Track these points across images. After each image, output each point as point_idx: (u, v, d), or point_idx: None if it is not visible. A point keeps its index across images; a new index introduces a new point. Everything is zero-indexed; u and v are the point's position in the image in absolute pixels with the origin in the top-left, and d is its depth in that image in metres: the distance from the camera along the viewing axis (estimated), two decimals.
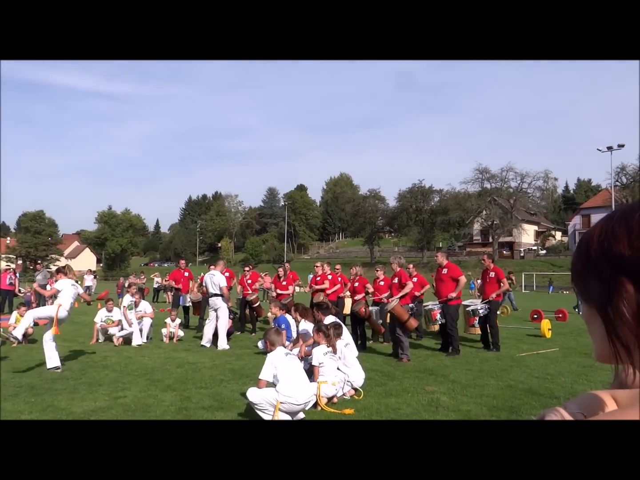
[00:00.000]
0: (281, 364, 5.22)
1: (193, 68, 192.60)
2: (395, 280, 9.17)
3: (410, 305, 9.40)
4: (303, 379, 5.36)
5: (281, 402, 4.97)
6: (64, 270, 8.18)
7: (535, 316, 14.42)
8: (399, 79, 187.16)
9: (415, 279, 10.95)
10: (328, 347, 6.28)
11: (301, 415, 5.22)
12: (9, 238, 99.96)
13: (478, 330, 10.09)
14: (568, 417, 0.86)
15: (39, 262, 54.38)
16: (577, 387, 6.51)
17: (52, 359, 7.56)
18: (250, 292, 12.36)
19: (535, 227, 69.25)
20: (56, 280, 8.24)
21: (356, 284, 10.45)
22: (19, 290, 18.81)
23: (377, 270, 10.50)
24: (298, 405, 5.08)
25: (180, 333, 11.15)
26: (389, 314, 9.18)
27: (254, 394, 5.04)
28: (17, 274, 20.04)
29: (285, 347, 5.81)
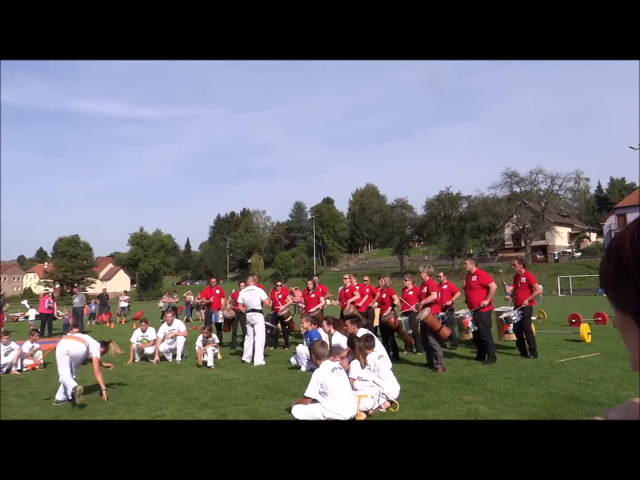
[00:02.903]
0: (327, 379, 5.18)
1: (215, 88, 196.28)
2: (425, 289, 9.07)
3: (441, 314, 9.28)
4: (349, 395, 5.32)
5: (327, 418, 4.95)
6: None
7: (574, 320, 14.01)
8: (422, 85, 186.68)
9: (445, 287, 10.81)
10: (334, 361, 5.76)
11: None
12: (46, 263, 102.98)
13: (513, 337, 9.87)
14: None
15: (76, 285, 55.76)
16: (621, 392, 6.29)
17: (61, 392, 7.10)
18: (281, 306, 12.40)
19: (569, 229, 67.62)
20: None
21: (384, 295, 10.38)
22: (58, 314, 19.31)
23: (406, 280, 10.42)
24: (344, 420, 5.06)
25: (212, 350, 11.19)
26: (420, 324, 9.07)
27: (299, 411, 5.01)
28: (55, 298, 20.59)
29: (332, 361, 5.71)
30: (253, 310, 10.15)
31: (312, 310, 11.60)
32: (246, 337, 10.47)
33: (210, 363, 9.81)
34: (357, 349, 6.31)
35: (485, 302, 8.90)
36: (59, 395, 7.12)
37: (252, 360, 9.97)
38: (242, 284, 12.26)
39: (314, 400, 5.19)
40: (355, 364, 6.12)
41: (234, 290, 14.92)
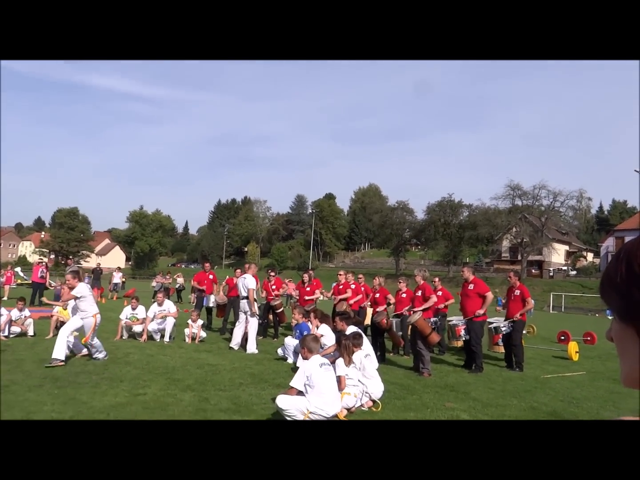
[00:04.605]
0: (314, 373, 5.17)
1: (226, 75, 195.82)
2: (419, 293, 9.07)
3: (434, 319, 9.28)
4: (335, 391, 5.32)
5: (311, 412, 4.94)
6: (79, 276, 8.21)
7: (563, 337, 14.04)
8: (429, 90, 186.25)
9: (440, 293, 10.81)
10: (323, 357, 5.86)
11: None
12: (43, 233, 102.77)
13: (502, 349, 9.89)
14: None
15: (70, 257, 55.61)
16: (603, 412, 6.31)
17: (60, 351, 7.55)
18: (274, 297, 12.40)
19: (566, 247, 67.70)
20: (71, 287, 7.99)
21: (377, 295, 10.37)
22: (49, 284, 19.29)
23: (400, 282, 10.40)
24: (327, 416, 5.05)
25: (203, 334, 11.24)
26: (410, 327, 9.08)
27: (283, 401, 5.00)
28: (49, 268, 20.56)
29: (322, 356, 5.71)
30: (246, 297, 10.15)
31: (307, 305, 11.57)
32: (237, 323, 10.47)
33: (196, 331, 10.45)
34: (343, 347, 6.30)
35: (481, 312, 8.90)
36: (61, 354, 7.54)
37: (242, 348, 9.98)
38: (238, 270, 12.24)
39: (300, 393, 5.19)
40: (340, 361, 6.11)
41: (227, 277, 14.89)
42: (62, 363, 7.54)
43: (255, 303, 10.34)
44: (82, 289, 8.02)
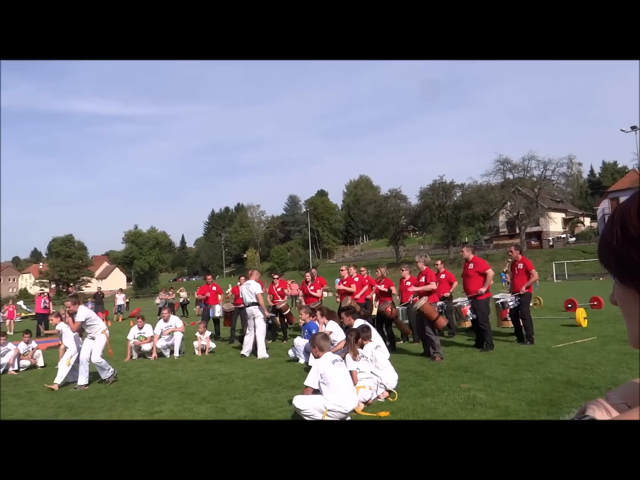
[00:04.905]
0: (328, 371, 5.17)
1: (207, 84, 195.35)
2: (422, 279, 9.07)
3: (439, 303, 9.27)
4: (350, 386, 5.32)
5: (329, 410, 4.94)
6: (79, 299, 8.49)
7: (570, 305, 14.07)
8: (411, 76, 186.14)
9: (443, 276, 10.81)
10: (334, 353, 5.90)
11: (347, 419, 5.19)
12: (41, 264, 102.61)
13: (511, 324, 9.90)
14: (610, 408, 0.81)
15: (71, 284, 55.58)
16: (618, 375, 6.32)
17: (84, 377, 7.98)
18: (280, 300, 12.41)
19: (563, 215, 67.85)
20: (72, 313, 8.11)
21: (381, 286, 10.37)
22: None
23: (403, 270, 10.38)
24: (346, 412, 5.06)
25: (212, 345, 11.23)
26: (416, 313, 9.08)
27: (300, 401, 5.00)
28: (51, 298, 20.52)
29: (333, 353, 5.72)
30: (253, 304, 10.15)
31: (313, 303, 11.57)
32: (247, 331, 10.47)
33: (205, 343, 10.60)
34: (348, 341, 6.31)
35: (483, 290, 8.90)
36: (82, 380, 8.02)
37: (254, 354, 9.98)
38: (242, 277, 12.25)
39: (315, 392, 5.19)
40: (348, 356, 6.11)
41: (231, 286, 14.90)
42: (87, 387, 7.91)
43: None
44: (84, 311, 8.23)
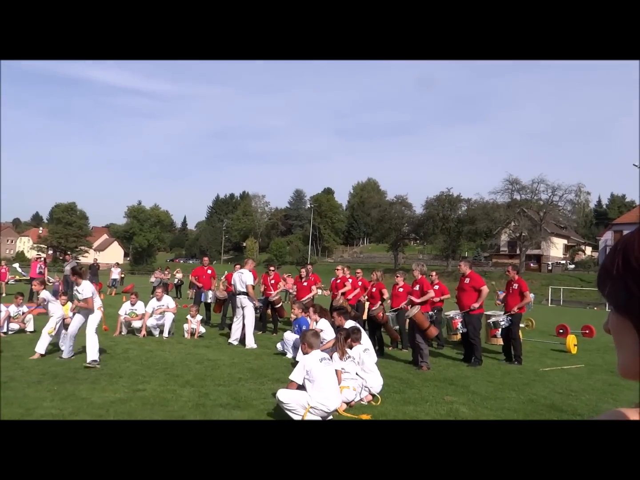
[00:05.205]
0: (314, 368, 5.17)
1: (228, 69, 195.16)
2: (417, 287, 9.08)
3: (430, 313, 9.29)
4: (335, 386, 5.32)
5: (312, 407, 4.95)
6: (81, 273, 8.18)
7: (561, 331, 14.08)
8: (430, 87, 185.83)
9: (436, 287, 10.82)
10: (323, 351, 5.90)
11: (329, 418, 5.20)
12: (41, 228, 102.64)
13: (500, 341, 9.92)
14: None
15: (69, 253, 55.56)
16: (602, 405, 6.33)
17: (93, 352, 7.36)
18: (273, 292, 12.41)
19: (565, 241, 67.80)
20: (78, 284, 7.71)
21: (373, 290, 10.38)
22: (48, 279, 19.26)
23: (397, 277, 10.39)
24: (328, 411, 5.06)
25: (202, 330, 11.24)
26: (408, 321, 9.08)
27: (284, 395, 5.00)
28: (47, 264, 20.54)
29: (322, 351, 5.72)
30: (243, 293, 10.15)
31: (304, 298, 11.60)
32: (235, 319, 10.47)
33: (195, 327, 10.52)
34: (337, 341, 6.32)
35: (476, 305, 8.92)
36: (66, 354, 7.76)
37: (242, 343, 9.99)
38: (237, 266, 12.25)
39: (300, 387, 5.19)
40: (335, 355, 6.13)
41: (226, 272, 14.89)
42: (98, 365, 7.31)
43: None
44: (89, 286, 7.79)
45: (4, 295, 19.10)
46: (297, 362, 5.95)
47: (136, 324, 10.90)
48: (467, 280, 9.21)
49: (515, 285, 9.46)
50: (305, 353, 5.41)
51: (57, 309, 8.70)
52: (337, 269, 11.60)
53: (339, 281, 11.27)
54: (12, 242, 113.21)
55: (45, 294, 8.95)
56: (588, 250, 70.04)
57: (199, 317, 11.33)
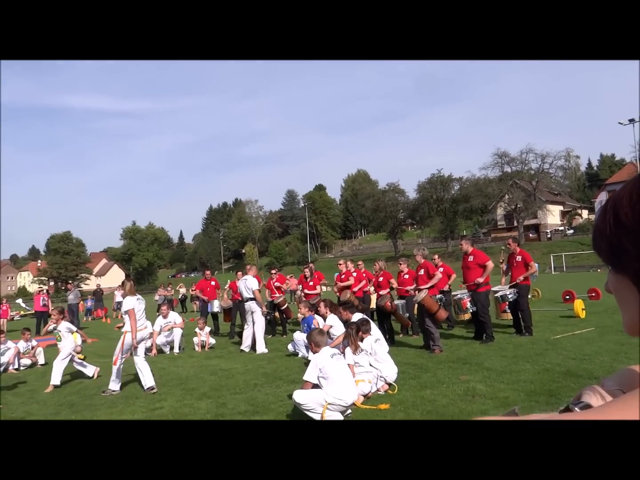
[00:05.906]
0: (327, 365, 5.19)
1: (206, 78, 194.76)
2: (422, 272, 9.08)
3: (439, 295, 9.29)
4: (349, 379, 5.34)
5: (329, 403, 4.97)
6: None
7: (568, 297, 14.12)
8: (410, 71, 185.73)
9: (441, 269, 10.83)
10: (333, 347, 6.02)
11: (348, 412, 5.21)
12: (39, 261, 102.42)
13: (510, 316, 9.93)
14: (606, 394, 0.82)
15: (70, 281, 55.42)
16: (616, 365, 6.36)
17: (148, 378, 7.25)
18: (277, 294, 12.42)
19: (561, 207, 67.89)
20: (124, 296, 7.53)
21: (380, 279, 10.38)
22: (52, 311, 19.24)
23: (401, 264, 10.38)
24: (346, 405, 5.08)
25: (212, 341, 11.25)
26: (416, 306, 9.10)
27: (300, 396, 5.02)
28: (50, 295, 20.51)
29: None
30: (251, 299, 10.16)
31: (312, 298, 11.59)
32: (245, 326, 10.49)
33: (205, 339, 10.65)
34: (348, 335, 6.33)
35: (481, 280, 8.90)
36: (113, 386, 7.31)
37: (253, 349, 10.00)
38: (239, 273, 12.26)
39: (315, 386, 5.21)
40: (347, 350, 6.14)
41: (229, 281, 14.90)
42: (155, 390, 7.13)
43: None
44: (65, 324, 8.41)
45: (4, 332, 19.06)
46: (310, 360, 5.97)
47: (148, 343, 10.90)
48: (470, 258, 9.20)
49: (519, 258, 9.45)
50: (314, 352, 5.43)
51: (69, 344, 8.39)
52: (340, 264, 11.59)
53: (343, 276, 11.27)
54: (12, 278, 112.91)
55: (66, 325, 8.50)
56: (585, 213, 70.14)
57: (207, 329, 11.33)
